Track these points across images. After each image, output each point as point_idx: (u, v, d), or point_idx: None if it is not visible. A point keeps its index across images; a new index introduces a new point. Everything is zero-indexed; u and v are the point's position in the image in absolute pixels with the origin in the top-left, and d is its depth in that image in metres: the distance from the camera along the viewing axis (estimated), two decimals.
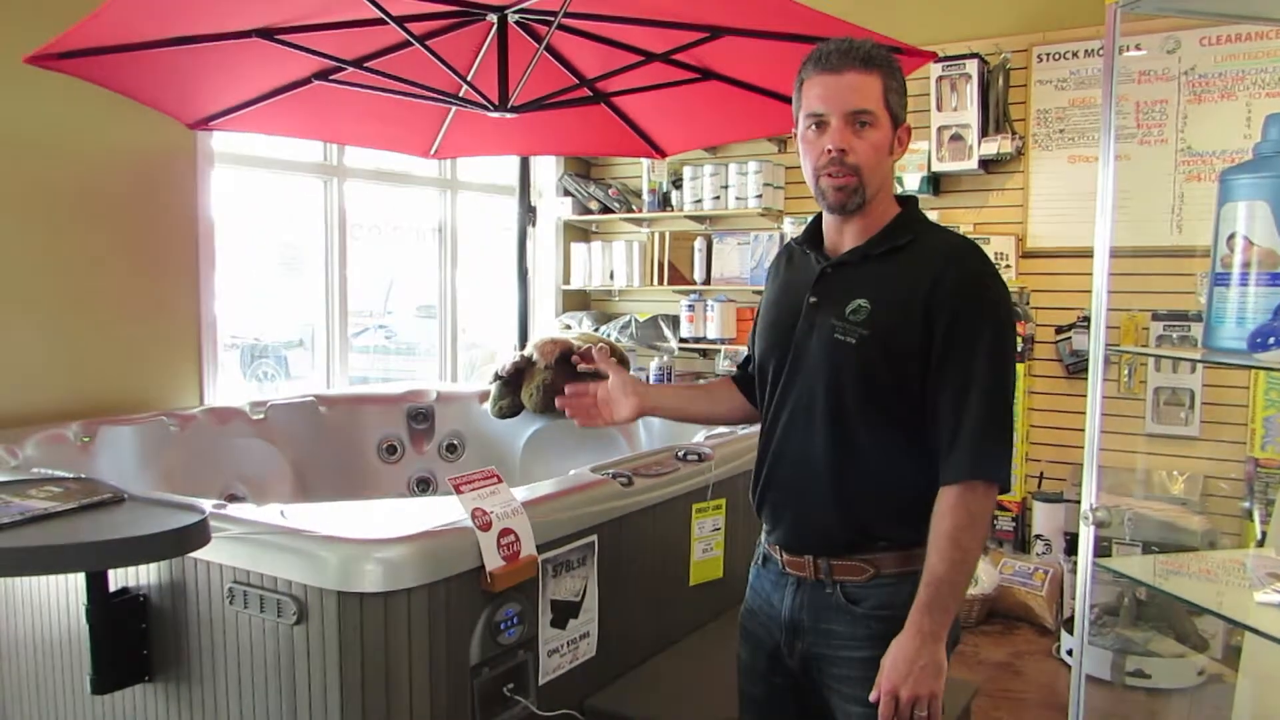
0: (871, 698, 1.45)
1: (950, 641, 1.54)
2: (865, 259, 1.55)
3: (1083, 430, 1.96)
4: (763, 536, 1.71)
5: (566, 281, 5.45)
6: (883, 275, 1.53)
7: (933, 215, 4.29)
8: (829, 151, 1.50)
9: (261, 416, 3.60)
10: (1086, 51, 4.06)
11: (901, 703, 1.41)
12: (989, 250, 4.17)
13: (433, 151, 3.94)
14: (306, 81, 3.21)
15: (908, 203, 1.61)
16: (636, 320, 5.15)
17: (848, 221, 1.57)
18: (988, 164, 4.25)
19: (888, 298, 1.51)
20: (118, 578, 2.05)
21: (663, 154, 4.03)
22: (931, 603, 1.43)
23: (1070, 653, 3.42)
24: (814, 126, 1.52)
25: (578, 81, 3.37)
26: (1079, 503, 1.94)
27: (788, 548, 1.62)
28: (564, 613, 2.17)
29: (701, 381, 2.18)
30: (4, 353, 3.07)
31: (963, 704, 2.42)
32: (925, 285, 1.48)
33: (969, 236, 4.22)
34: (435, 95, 3.11)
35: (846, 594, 1.55)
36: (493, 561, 1.90)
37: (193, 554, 1.85)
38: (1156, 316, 3.85)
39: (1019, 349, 4.10)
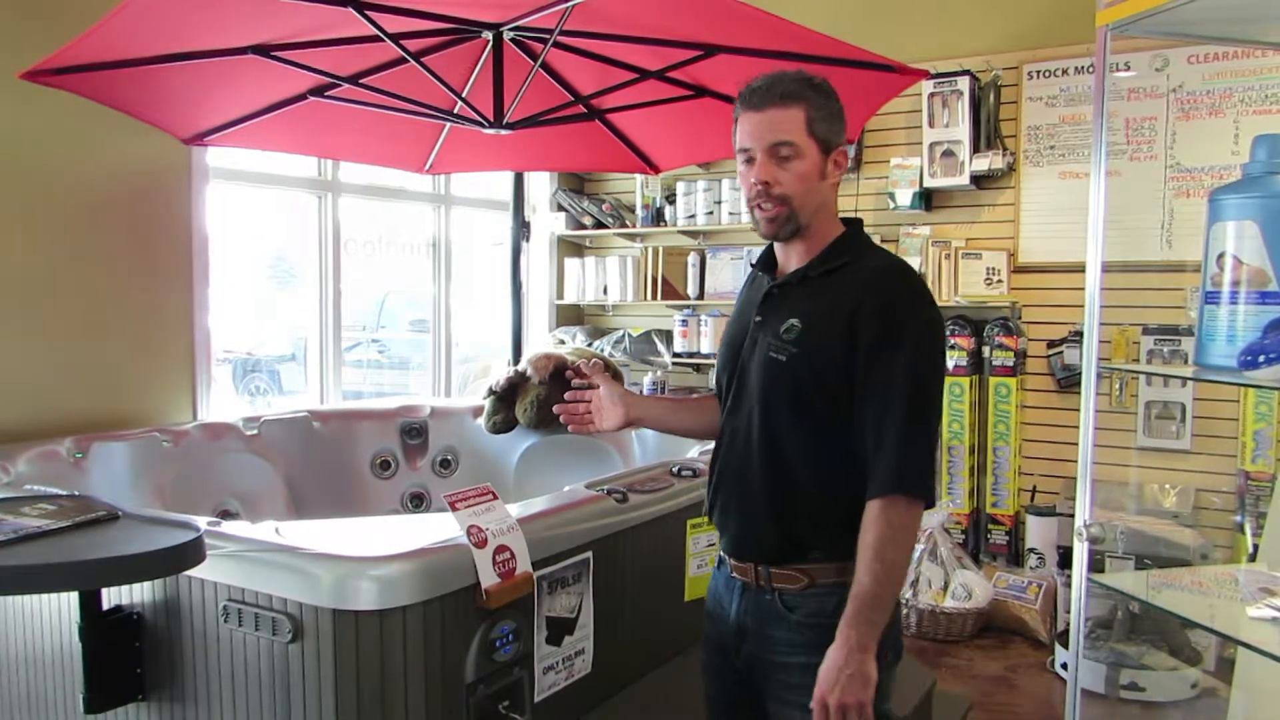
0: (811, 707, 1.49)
1: (893, 653, 1.59)
2: (804, 280, 1.62)
3: (1075, 444, 1.97)
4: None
5: (560, 296, 5.46)
6: (816, 295, 1.59)
7: (924, 230, 4.36)
8: (754, 184, 1.59)
9: (255, 432, 3.58)
10: (1076, 69, 4.09)
11: (831, 711, 1.45)
12: (981, 265, 4.23)
13: (427, 167, 3.94)
14: (302, 98, 3.22)
15: (851, 224, 1.67)
16: (630, 335, 5.15)
17: (792, 244, 1.64)
18: (979, 180, 4.27)
19: (817, 317, 1.57)
20: (111, 596, 2.04)
21: (656, 170, 4.04)
22: (857, 615, 1.47)
23: (1064, 666, 3.42)
24: (745, 161, 1.62)
25: (572, 98, 3.38)
26: (1072, 516, 1.95)
27: (733, 554, 1.69)
28: (559, 629, 2.16)
29: (694, 396, 2.22)
30: None
31: (957, 718, 2.43)
32: (851, 305, 1.53)
33: (956, 252, 4.28)
34: (430, 112, 3.12)
35: (784, 601, 1.61)
36: (488, 578, 1.89)
37: (187, 572, 1.84)
38: (1147, 330, 3.87)
39: (1012, 364, 4.12)
